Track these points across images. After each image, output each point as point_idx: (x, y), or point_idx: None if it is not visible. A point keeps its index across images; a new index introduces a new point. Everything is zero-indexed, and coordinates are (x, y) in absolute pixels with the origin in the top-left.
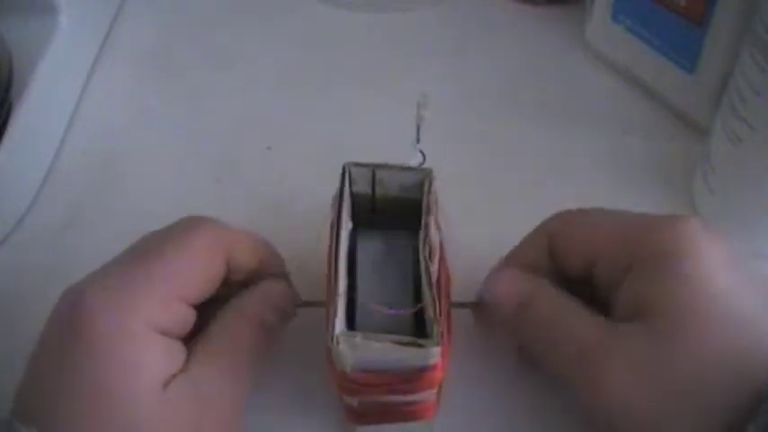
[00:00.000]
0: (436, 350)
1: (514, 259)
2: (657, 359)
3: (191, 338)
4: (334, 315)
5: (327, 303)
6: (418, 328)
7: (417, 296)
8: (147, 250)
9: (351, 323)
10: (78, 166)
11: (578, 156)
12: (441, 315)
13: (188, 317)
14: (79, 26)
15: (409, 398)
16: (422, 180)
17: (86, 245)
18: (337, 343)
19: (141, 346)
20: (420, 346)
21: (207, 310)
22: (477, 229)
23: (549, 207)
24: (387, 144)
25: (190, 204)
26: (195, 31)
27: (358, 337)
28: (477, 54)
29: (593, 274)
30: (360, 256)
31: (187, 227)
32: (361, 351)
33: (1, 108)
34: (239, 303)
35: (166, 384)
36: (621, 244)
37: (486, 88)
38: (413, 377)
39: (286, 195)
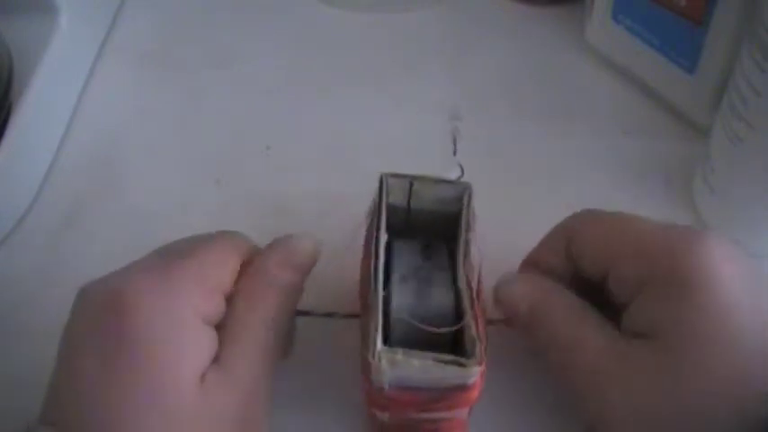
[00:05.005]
0: (477, 369)
1: (533, 260)
2: (663, 383)
3: None
4: (375, 331)
5: (363, 316)
6: (454, 343)
7: (454, 310)
8: (176, 250)
9: (385, 337)
10: (78, 166)
11: (578, 156)
12: (482, 333)
13: (223, 307)
14: (79, 26)
15: (442, 415)
16: (459, 194)
17: (86, 245)
18: (379, 359)
19: (188, 333)
20: (461, 365)
21: None
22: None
23: (548, 207)
24: (387, 144)
25: (190, 204)
26: (195, 31)
27: (399, 354)
28: (477, 54)
29: (606, 282)
30: (395, 268)
31: (211, 235)
32: (401, 368)
33: (1, 108)
34: (262, 269)
35: (203, 377)
36: (635, 259)
37: (486, 88)
38: (449, 395)
39: (286, 195)
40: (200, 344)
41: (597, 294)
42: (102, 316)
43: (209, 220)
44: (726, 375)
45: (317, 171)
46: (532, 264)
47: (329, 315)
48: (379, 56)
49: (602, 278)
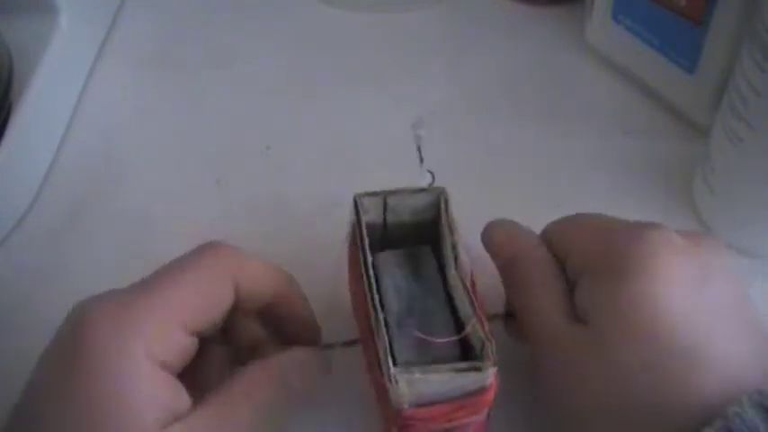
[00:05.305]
0: (493, 370)
1: None
2: (592, 367)
3: (192, 373)
4: (385, 354)
5: (364, 342)
6: (459, 348)
7: (453, 315)
8: (154, 276)
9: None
10: (78, 166)
11: (578, 156)
12: (490, 333)
13: (189, 347)
14: (79, 26)
15: (464, 421)
16: (434, 200)
17: (86, 245)
18: (396, 382)
19: (137, 377)
20: (478, 369)
21: (213, 346)
22: (475, 229)
23: (548, 207)
24: (387, 144)
25: (190, 204)
26: (195, 31)
27: (416, 373)
28: (477, 54)
29: (565, 267)
30: (386, 285)
31: (196, 252)
32: (421, 385)
33: (1, 108)
34: (266, 362)
35: (165, 426)
36: (583, 247)
37: (486, 88)
38: (469, 401)
39: (286, 195)
40: (151, 387)
41: None
42: (67, 339)
43: (209, 221)
44: (648, 364)
45: (317, 171)
46: None
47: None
48: (379, 56)
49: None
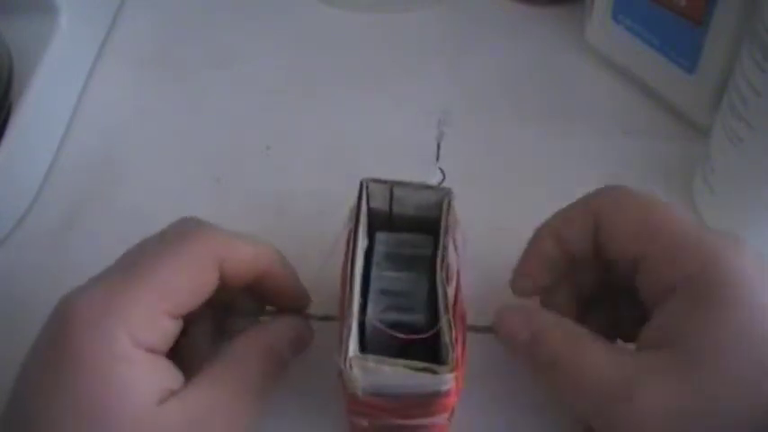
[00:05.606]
0: (450, 376)
1: (554, 231)
2: (691, 396)
3: (177, 349)
4: (348, 337)
5: (341, 323)
6: (434, 350)
7: (432, 315)
8: (136, 261)
9: (364, 343)
10: (78, 166)
11: (578, 156)
12: (456, 341)
13: (174, 329)
14: (79, 26)
15: (421, 421)
16: (439, 200)
17: (86, 245)
18: (350, 366)
19: (126, 362)
20: (434, 372)
21: (199, 318)
22: (475, 229)
23: (548, 207)
24: (387, 144)
25: (190, 204)
26: (195, 31)
27: (370, 361)
28: (477, 54)
29: (636, 273)
30: (374, 274)
31: (178, 234)
32: (374, 375)
33: (1, 108)
34: (255, 333)
35: (162, 402)
36: (665, 263)
37: (486, 88)
38: (425, 402)
39: (286, 195)
40: (141, 372)
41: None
42: (48, 341)
43: (208, 220)
44: (749, 388)
45: (317, 171)
46: (554, 234)
47: (326, 318)
48: (379, 56)
49: (628, 271)
